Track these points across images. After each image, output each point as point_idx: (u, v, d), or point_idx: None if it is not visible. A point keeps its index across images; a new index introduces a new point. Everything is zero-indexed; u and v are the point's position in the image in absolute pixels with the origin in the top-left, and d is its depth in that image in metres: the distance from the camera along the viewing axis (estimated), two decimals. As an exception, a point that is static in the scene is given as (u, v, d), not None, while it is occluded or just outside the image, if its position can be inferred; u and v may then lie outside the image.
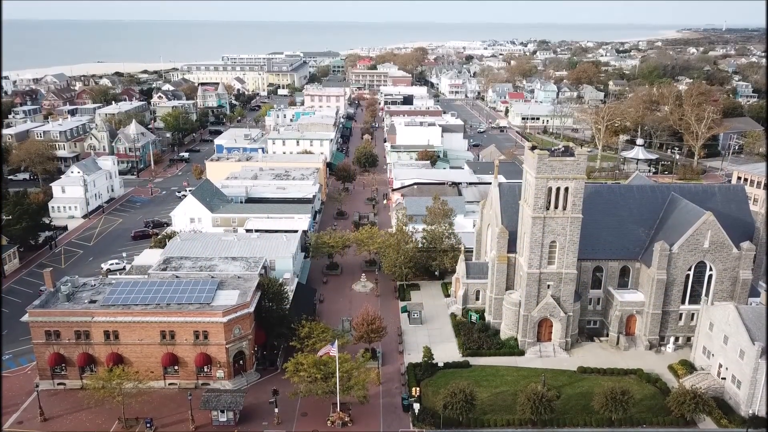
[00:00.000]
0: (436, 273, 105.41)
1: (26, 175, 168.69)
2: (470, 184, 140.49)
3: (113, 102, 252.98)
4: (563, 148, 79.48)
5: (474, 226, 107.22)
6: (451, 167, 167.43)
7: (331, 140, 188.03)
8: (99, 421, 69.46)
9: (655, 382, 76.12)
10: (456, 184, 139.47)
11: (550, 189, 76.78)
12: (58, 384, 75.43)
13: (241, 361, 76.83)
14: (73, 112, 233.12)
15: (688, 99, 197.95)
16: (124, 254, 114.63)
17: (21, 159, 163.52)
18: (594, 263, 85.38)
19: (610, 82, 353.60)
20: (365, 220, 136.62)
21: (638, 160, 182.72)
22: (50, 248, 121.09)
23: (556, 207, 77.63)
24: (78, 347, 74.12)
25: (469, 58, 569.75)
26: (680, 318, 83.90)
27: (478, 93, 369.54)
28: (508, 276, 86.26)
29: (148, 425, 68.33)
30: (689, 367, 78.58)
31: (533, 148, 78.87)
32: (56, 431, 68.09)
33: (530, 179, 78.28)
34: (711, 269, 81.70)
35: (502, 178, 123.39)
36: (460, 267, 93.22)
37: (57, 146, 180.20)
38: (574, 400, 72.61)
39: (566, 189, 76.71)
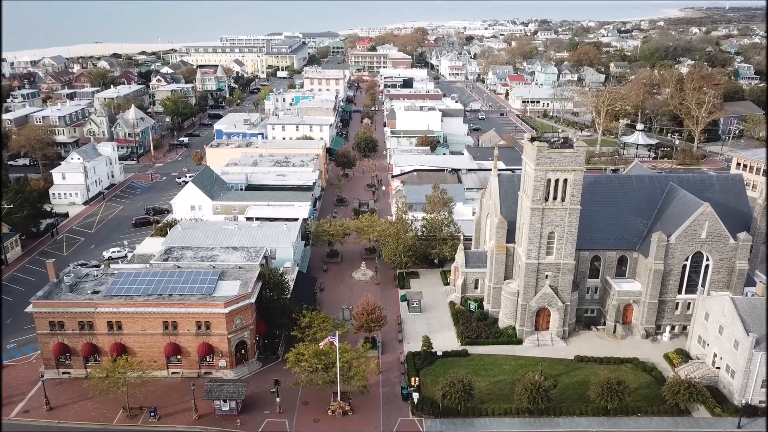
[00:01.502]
0: (435, 261, 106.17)
1: (26, 161, 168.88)
2: (470, 170, 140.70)
3: (112, 85, 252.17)
4: (562, 140, 79.70)
5: (473, 214, 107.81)
6: (451, 152, 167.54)
7: (331, 125, 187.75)
8: (104, 410, 70.66)
9: (650, 371, 77.26)
10: (456, 171, 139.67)
11: (549, 180, 77.15)
12: (63, 373, 76.58)
13: (242, 351, 77.92)
14: (71, 96, 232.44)
15: (689, 82, 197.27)
16: (125, 242, 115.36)
17: (21, 145, 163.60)
18: (592, 253, 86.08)
19: (611, 64, 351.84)
20: (365, 207, 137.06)
21: (638, 145, 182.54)
22: (52, 236, 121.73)
23: (554, 198, 78.09)
24: (82, 337, 75.08)
25: (470, 38, 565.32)
26: (676, 307, 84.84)
27: (479, 75, 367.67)
28: (506, 266, 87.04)
29: (152, 414, 69.56)
30: (685, 356, 79.69)
31: (533, 139, 79.09)
32: (62, 420, 69.28)
33: (529, 171, 78.63)
34: (708, 259, 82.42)
35: (501, 165, 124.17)
36: (459, 256, 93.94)
37: (56, 131, 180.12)
38: (570, 389, 73.78)
39: (565, 180, 77.10)
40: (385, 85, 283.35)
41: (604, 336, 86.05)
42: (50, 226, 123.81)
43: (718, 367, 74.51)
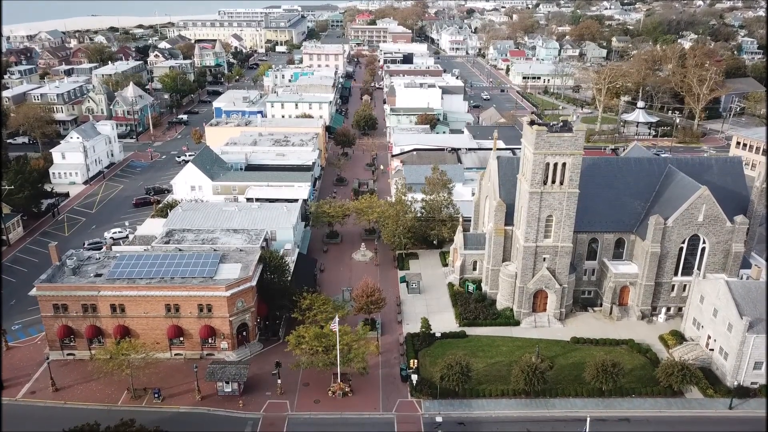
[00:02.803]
0: (434, 242, 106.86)
1: (25, 139, 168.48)
2: (469, 150, 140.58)
3: (109, 61, 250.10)
4: (561, 123, 79.71)
5: (473, 194, 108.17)
6: (451, 131, 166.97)
7: (330, 102, 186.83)
8: (109, 391, 72.02)
9: (645, 352, 78.40)
10: (455, 150, 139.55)
11: (547, 164, 77.39)
12: (68, 355, 77.81)
13: (244, 333, 79.09)
14: (69, 72, 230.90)
15: (691, 59, 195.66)
16: (126, 223, 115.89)
17: (19, 123, 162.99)
18: (590, 235, 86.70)
19: (614, 39, 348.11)
20: (365, 187, 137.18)
21: (638, 123, 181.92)
22: (53, 216, 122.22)
23: (553, 182, 78.42)
24: (85, 320, 76.12)
25: (470, 11, 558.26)
26: (672, 289, 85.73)
27: (479, 50, 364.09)
28: (504, 248, 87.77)
29: (156, 395, 70.97)
30: (679, 338, 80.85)
31: (532, 123, 79.05)
32: (68, 401, 70.58)
33: (528, 154, 78.80)
34: (704, 242, 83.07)
35: (501, 144, 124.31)
36: (458, 238, 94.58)
37: (55, 109, 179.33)
38: (566, 371, 75.03)
39: (564, 164, 77.33)
40: (385, 61, 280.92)
41: (601, 317, 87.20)
42: (51, 206, 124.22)
43: (712, 349, 75.71)
